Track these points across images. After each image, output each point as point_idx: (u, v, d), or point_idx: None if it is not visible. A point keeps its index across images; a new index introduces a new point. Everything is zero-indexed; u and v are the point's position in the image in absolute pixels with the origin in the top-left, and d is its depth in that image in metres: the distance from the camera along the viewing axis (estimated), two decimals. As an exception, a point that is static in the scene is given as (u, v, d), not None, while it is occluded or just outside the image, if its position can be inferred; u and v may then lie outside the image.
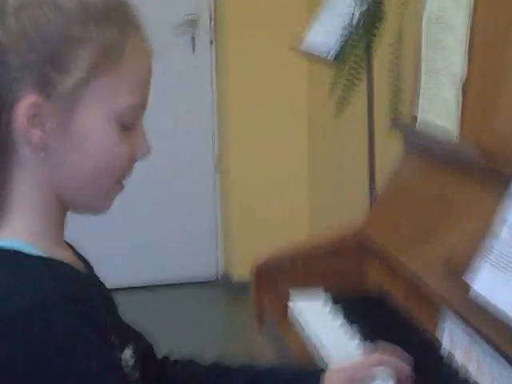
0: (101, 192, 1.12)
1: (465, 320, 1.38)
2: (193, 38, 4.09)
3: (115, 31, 1.07)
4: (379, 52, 2.24)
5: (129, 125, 1.10)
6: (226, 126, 4.09)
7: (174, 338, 2.62)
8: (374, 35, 2.17)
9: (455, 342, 1.43)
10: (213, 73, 4.18)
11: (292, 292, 1.78)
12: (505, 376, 1.27)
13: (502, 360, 1.27)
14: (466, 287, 1.32)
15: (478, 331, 1.34)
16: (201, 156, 4.23)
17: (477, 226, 1.44)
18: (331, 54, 2.22)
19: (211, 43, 4.15)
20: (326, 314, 1.69)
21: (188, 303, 4.04)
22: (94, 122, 1.07)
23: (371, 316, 1.65)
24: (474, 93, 1.63)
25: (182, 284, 4.20)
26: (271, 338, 1.84)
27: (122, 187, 1.14)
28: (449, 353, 1.44)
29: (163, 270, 4.19)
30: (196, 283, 4.22)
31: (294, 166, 4.04)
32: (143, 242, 4.16)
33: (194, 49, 4.12)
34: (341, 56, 2.19)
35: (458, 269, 1.39)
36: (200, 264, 4.26)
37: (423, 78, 1.79)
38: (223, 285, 4.22)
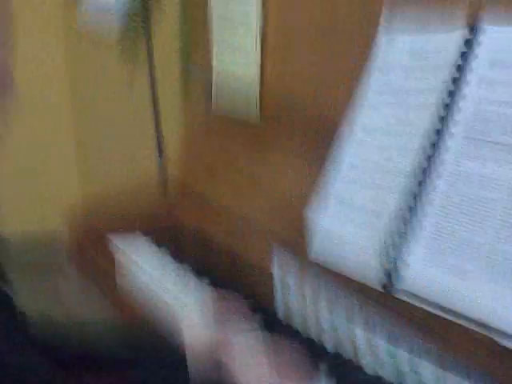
0: None
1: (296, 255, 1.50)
2: None
3: None
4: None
5: None
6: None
7: None
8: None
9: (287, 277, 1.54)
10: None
11: (114, 239, 1.83)
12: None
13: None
14: (295, 222, 1.46)
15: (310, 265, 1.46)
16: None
17: (295, 165, 1.59)
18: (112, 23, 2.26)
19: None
20: (155, 256, 1.76)
21: None
22: None
23: (197, 255, 1.74)
24: (271, 40, 1.73)
25: None
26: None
27: None
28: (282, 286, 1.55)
29: None
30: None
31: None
32: None
33: None
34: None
35: (285, 209, 1.55)
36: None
37: (218, 29, 1.87)
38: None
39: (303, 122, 1.58)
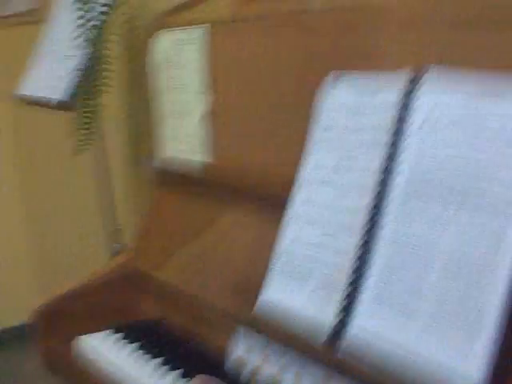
0: None
1: (258, 333, 1.52)
2: None
3: None
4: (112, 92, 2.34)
5: None
6: None
7: None
8: (104, 78, 2.27)
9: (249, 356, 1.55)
10: None
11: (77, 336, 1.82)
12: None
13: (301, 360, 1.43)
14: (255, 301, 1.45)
15: (272, 340, 1.48)
16: None
17: (251, 243, 1.61)
18: (61, 97, 2.31)
19: None
20: (117, 347, 1.75)
21: None
22: None
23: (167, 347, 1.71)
24: (218, 124, 1.78)
25: None
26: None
27: None
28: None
29: None
30: None
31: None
32: None
33: None
34: (74, 98, 2.27)
35: (241, 287, 1.56)
36: None
37: (163, 118, 1.92)
38: None
39: (254, 199, 1.61)
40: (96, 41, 2.20)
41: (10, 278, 4.05)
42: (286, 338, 1.42)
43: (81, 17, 2.19)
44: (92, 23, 2.20)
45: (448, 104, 1.20)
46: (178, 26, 1.86)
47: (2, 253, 3.96)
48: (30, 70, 2.60)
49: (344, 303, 1.26)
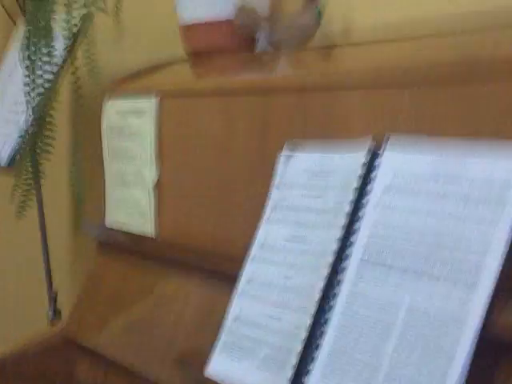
0: None
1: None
2: None
3: None
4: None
5: None
6: None
7: None
8: (46, 144, 2.26)
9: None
10: None
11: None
12: None
13: None
14: (198, 377, 1.43)
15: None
16: None
17: (194, 317, 1.60)
18: (3, 161, 2.29)
19: None
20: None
21: None
22: None
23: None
24: (165, 198, 1.78)
25: None
26: None
27: None
28: None
29: None
30: None
31: None
32: None
33: None
34: (15, 161, 2.26)
35: (184, 361, 1.53)
36: None
37: (111, 187, 1.91)
38: None
39: (202, 270, 1.60)
40: (41, 107, 2.19)
41: None
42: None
43: (26, 84, 2.18)
44: (38, 90, 2.19)
45: (408, 172, 1.22)
46: (127, 96, 1.87)
47: None
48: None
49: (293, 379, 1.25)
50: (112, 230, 1.90)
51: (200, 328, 1.55)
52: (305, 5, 1.84)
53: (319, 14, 1.82)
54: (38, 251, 2.51)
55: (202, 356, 1.44)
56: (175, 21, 2.01)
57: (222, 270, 1.52)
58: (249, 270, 1.41)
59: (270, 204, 1.42)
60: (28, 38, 2.21)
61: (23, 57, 2.20)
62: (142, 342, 1.70)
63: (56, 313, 2.47)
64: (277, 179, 1.43)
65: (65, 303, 2.45)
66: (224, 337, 1.41)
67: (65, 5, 2.07)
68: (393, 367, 1.13)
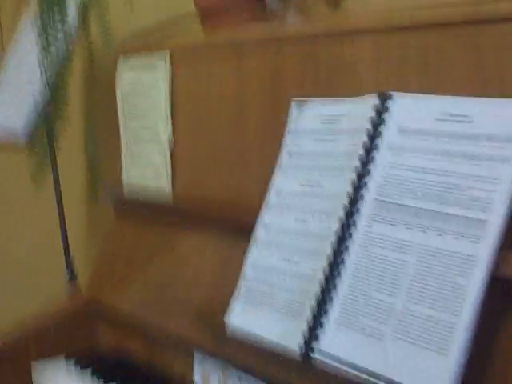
0: None
1: (217, 355, 1.53)
2: None
3: None
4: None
5: None
6: None
7: None
8: (61, 109, 2.27)
9: (210, 379, 1.56)
10: None
11: (34, 364, 1.81)
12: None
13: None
14: (218, 328, 1.46)
15: (232, 362, 1.49)
16: None
17: (214, 270, 1.61)
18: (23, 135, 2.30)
19: None
20: (68, 373, 1.75)
21: None
22: None
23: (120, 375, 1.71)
24: (180, 154, 1.79)
25: None
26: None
27: None
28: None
29: None
30: None
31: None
32: None
33: None
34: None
35: (203, 313, 1.56)
36: None
37: (127, 145, 1.93)
38: None
39: (218, 222, 1.61)
40: (55, 74, 2.20)
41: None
42: (248, 364, 1.43)
43: (41, 50, 2.19)
44: (52, 58, 2.20)
45: (414, 128, 1.23)
46: (140, 52, 1.88)
47: None
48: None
49: (308, 328, 1.27)
50: (129, 188, 1.92)
51: (219, 281, 1.56)
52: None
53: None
54: (55, 220, 2.52)
55: (221, 307, 1.47)
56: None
57: (238, 221, 1.53)
58: (265, 217, 1.43)
59: (285, 151, 1.44)
60: (41, 6, 2.22)
61: (36, 25, 2.21)
62: (161, 298, 1.72)
63: (73, 276, 2.47)
64: (290, 126, 1.44)
65: (81, 270, 2.46)
66: (243, 284, 1.44)
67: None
68: (408, 304, 1.15)
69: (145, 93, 1.85)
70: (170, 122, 1.78)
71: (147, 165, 1.86)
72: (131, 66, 1.89)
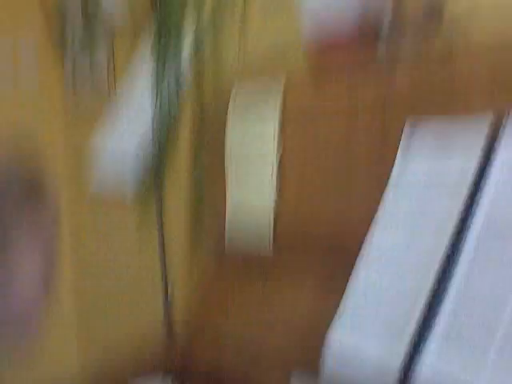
0: None
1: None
2: None
3: None
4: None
5: None
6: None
7: None
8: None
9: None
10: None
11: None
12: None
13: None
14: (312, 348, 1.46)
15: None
16: None
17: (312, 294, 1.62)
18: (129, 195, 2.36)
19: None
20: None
21: None
22: None
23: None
24: (287, 172, 1.80)
25: None
26: None
27: None
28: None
29: None
30: None
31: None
32: None
33: None
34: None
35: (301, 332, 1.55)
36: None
37: (234, 164, 1.95)
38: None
39: (318, 251, 1.62)
40: (167, 121, 2.25)
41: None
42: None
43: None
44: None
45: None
46: (253, 81, 1.92)
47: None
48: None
49: (412, 345, 1.26)
50: (230, 244, 1.94)
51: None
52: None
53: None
54: (156, 263, 2.55)
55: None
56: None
57: (342, 249, 1.53)
58: (371, 240, 1.43)
59: (387, 205, 1.44)
60: (156, 52, 2.28)
61: (150, 69, 2.27)
62: (255, 350, 1.72)
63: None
64: (401, 153, 1.44)
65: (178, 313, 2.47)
66: (346, 303, 1.43)
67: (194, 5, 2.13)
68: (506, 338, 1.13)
69: (255, 120, 1.88)
70: (278, 140, 1.81)
71: (253, 183, 1.89)
72: (244, 93, 1.93)
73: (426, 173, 1.38)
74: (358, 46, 1.88)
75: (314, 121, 1.73)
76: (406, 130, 1.45)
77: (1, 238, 1.13)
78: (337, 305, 1.45)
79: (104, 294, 3.71)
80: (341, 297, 1.45)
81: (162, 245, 2.48)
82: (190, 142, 2.46)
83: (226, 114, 1.97)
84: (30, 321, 1.20)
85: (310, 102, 1.75)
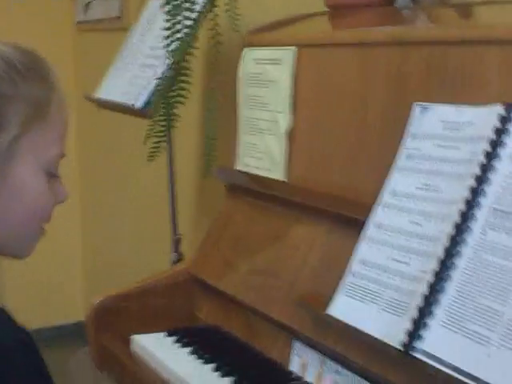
0: (29, 237, 1.21)
1: (316, 345, 1.55)
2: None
3: (42, 86, 1.16)
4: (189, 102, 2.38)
5: (54, 173, 1.20)
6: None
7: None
8: (182, 89, 2.33)
9: (307, 368, 1.59)
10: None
11: (134, 338, 1.85)
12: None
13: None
14: (319, 319, 1.50)
15: (331, 354, 1.51)
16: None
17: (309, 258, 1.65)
18: (139, 103, 2.38)
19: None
20: (169, 350, 1.77)
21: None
22: (28, 174, 1.16)
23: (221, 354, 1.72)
24: (297, 147, 1.81)
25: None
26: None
27: (44, 232, 1.23)
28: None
29: None
30: None
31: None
32: None
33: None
34: (150, 105, 2.34)
35: (301, 299, 1.58)
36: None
37: (244, 134, 1.97)
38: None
39: (330, 216, 1.64)
40: (179, 53, 2.26)
41: (65, 277, 4.13)
42: (346, 357, 1.46)
43: (167, 28, 2.25)
44: (177, 36, 2.26)
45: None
46: (265, 46, 1.91)
47: (57, 251, 4.04)
48: (109, 75, 2.67)
49: (412, 327, 1.28)
50: (242, 174, 1.96)
51: (324, 273, 1.59)
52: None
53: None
54: (165, 193, 2.59)
55: (323, 298, 1.49)
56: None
57: (349, 216, 1.55)
58: (378, 216, 1.45)
59: (404, 153, 1.45)
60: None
61: (165, 2, 2.27)
62: (264, 283, 1.75)
63: (179, 255, 2.54)
64: (411, 128, 1.46)
65: (187, 248, 2.51)
66: (349, 278, 1.46)
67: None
68: (509, 328, 1.16)
69: (267, 85, 1.88)
70: (290, 114, 1.82)
71: (263, 154, 1.89)
72: (255, 56, 1.92)
73: (433, 158, 1.39)
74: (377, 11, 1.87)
75: (326, 89, 1.74)
76: (415, 113, 1.45)
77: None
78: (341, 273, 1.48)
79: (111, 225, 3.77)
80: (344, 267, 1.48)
81: (172, 176, 2.52)
82: (204, 84, 2.47)
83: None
84: None
85: (323, 68, 1.75)
